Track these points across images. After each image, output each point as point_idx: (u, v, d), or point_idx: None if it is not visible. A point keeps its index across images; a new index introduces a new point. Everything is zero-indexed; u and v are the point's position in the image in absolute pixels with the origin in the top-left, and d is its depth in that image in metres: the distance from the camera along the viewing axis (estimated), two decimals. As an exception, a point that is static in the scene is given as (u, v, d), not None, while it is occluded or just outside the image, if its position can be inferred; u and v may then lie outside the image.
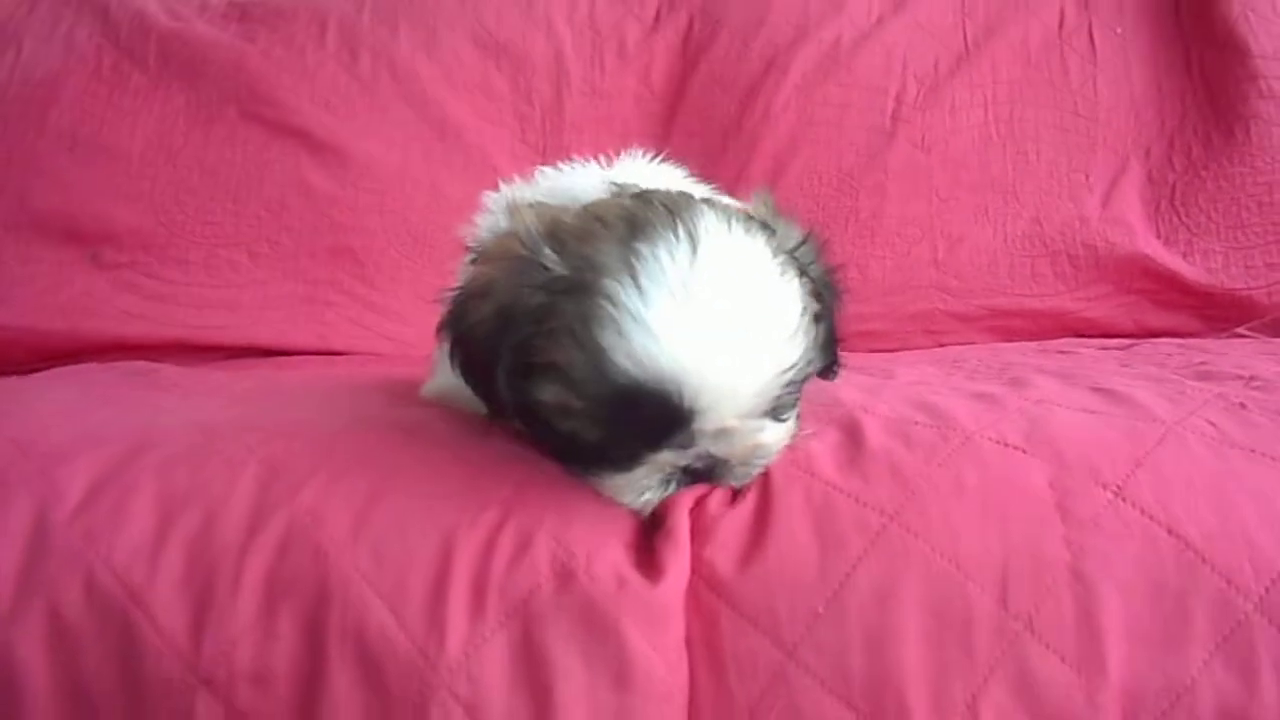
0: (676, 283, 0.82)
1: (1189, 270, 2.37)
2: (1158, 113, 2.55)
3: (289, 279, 2.34)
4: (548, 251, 0.88)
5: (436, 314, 1.21)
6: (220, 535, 0.83)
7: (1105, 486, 0.85)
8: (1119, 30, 2.61)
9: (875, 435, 0.93)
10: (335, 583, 0.81)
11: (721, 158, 2.54)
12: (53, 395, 1.13)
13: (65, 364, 2.18)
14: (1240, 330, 2.19)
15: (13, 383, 1.53)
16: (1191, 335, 2.35)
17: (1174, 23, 2.61)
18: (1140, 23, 2.62)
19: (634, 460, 0.89)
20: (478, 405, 1.02)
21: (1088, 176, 2.50)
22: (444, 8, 2.59)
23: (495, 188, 1.33)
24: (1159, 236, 2.43)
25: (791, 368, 0.88)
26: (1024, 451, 0.89)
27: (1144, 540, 0.83)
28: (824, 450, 0.92)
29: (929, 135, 2.52)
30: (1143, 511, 0.84)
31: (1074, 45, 2.59)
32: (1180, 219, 2.44)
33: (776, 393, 0.88)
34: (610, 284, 0.83)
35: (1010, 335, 2.41)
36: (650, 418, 0.84)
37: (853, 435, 0.94)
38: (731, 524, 0.87)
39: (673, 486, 0.91)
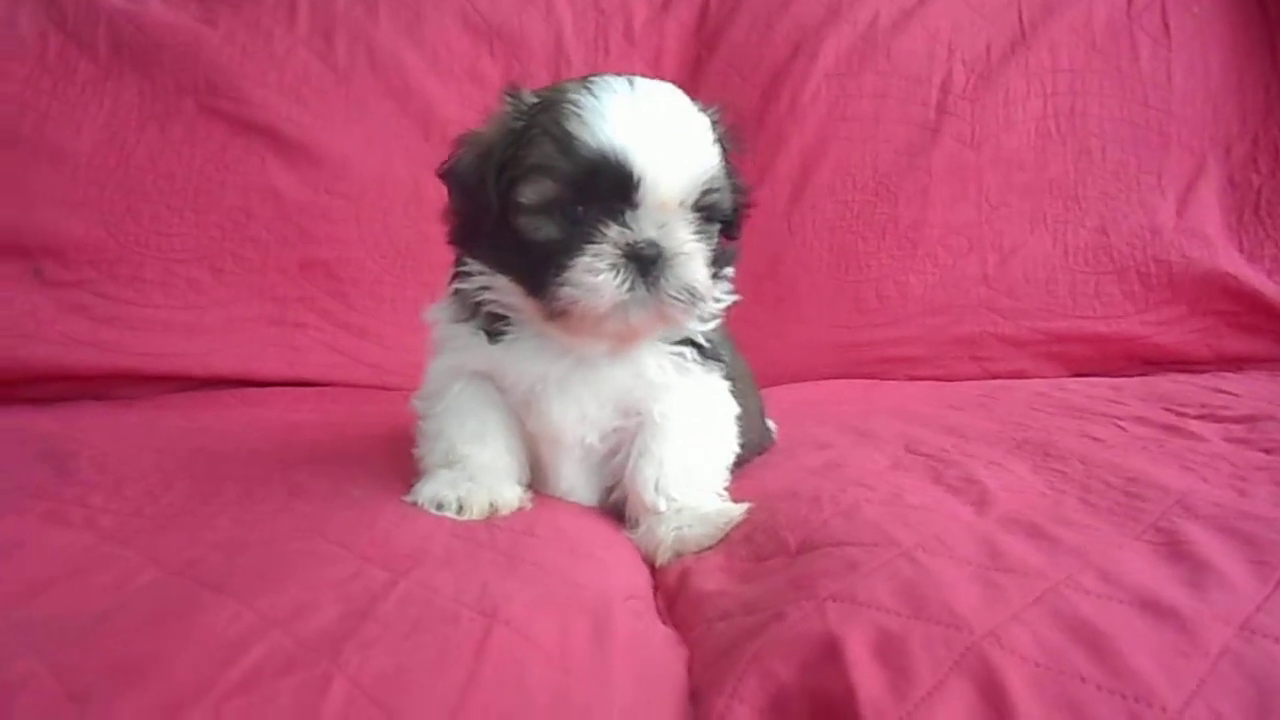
0: (622, 91, 1.08)
1: (1274, 290, 2.08)
2: (1239, 106, 2.23)
3: (256, 298, 2.09)
4: (526, 93, 1.15)
5: (422, 336, 1.29)
6: None
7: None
8: (1195, 9, 2.28)
9: (1029, 709, 0.62)
10: None
11: (741, 159, 2.24)
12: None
13: (6, 393, 1.96)
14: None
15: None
16: (1275, 361, 2.07)
17: (1257, 2, 2.28)
18: (1219, 1, 2.29)
19: (591, 240, 1.04)
20: (483, 362, 1.20)
21: (1160, 178, 2.19)
22: (430, -16, 2.29)
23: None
24: (1241, 250, 2.13)
25: (711, 174, 1.10)
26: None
27: None
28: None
29: (979, 130, 2.22)
30: None
31: (1145, 26, 2.27)
32: (1266, 230, 2.13)
33: (701, 188, 1.09)
34: (573, 95, 1.08)
35: (1070, 364, 2.13)
36: (606, 184, 1.04)
37: (994, 703, 0.63)
38: None
39: (623, 279, 1.04)
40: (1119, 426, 1.40)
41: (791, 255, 2.22)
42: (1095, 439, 1.31)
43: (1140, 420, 1.43)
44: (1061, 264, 2.16)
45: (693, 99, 1.17)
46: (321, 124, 2.16)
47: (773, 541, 1.00)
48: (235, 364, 2.04)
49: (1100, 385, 1.81)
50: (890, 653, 0.68)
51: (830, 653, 0.69)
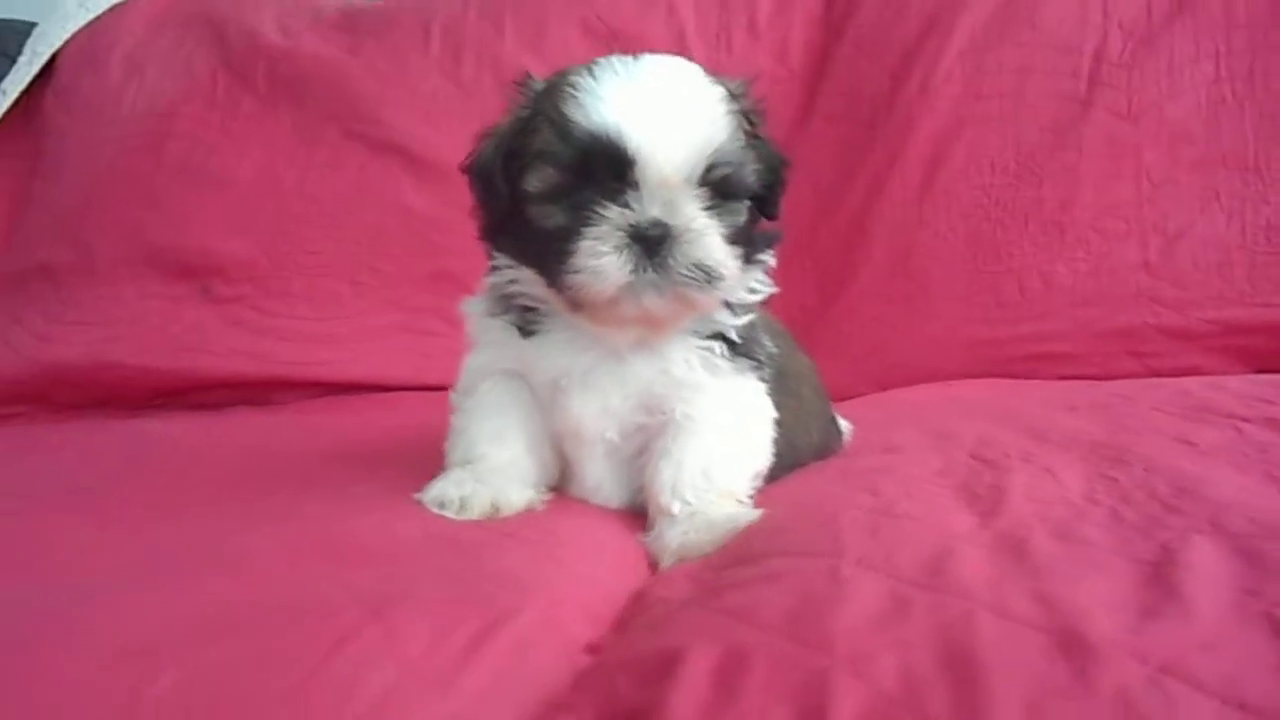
0: (621, 69, 1.06)
1: None
2: None
3: (389, 308, 2.20)
4: (536, 80, 1.14)
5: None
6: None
7: None
8: None
9: None
10: None
11: (870, 145, 2.13)
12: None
13: (174, 400, 2.17)
14: None
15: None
16: None
17: None
18: None
19: (593, 222, 1.01)
20: (514, 358, 1.20)
21: (1362, 144, 1.87)
22: (555, -3, 2.34)
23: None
24: None
25: (717, 147, 1.04)
26: None
27: None
28: None
29: (1137, 100, 1.98)
30: None
31: (1343, -33, 1.95)
32: None
33: (706, 162, 1.04)
34: (572, 77, 1.06)
35: (1252, 358, 1.85)
36: (603, 163, 1.02)
37: None
38: None
39: (626, 260, 1.01)
40: (1236, 430, 1.19)
41: (923, 246, 2.07)
42: (1189, 444, 1.13)
43: (1271, 424, 1.21)
44: (1238, 245, 1.89)
45: (709, 72, 1.12)
46: (449, 140, 2.22)
47: (744, 549, 0.93)
48: (370, 371, 2.15)
49: (1264, 384, 1.56)
50: (730, 673, 0.61)
51: (667, 669, 0.62)
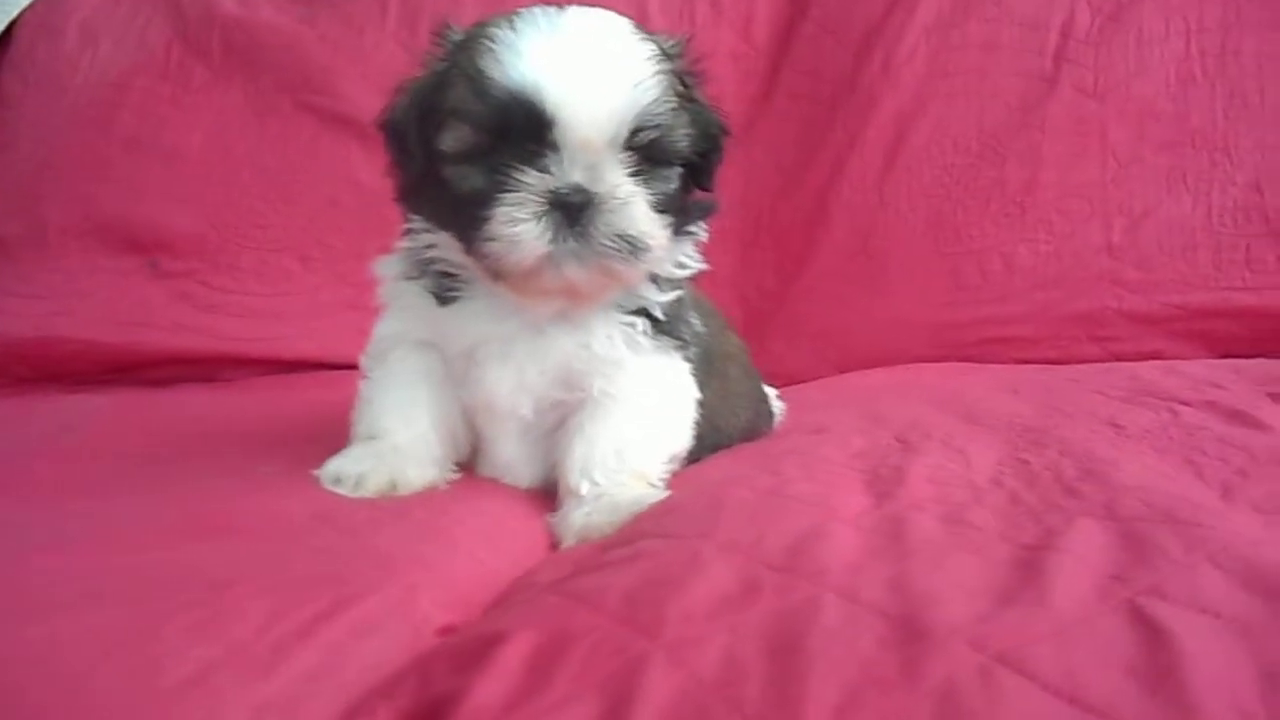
0: (543, 21, 0.99)
1: None
2: None
3: (338, 283, 2.15)
4: (454, 31, 1.07)
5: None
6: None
7: None
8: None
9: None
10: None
11: (831, 124, 2.08)
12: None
13: (124, 376, 2.13)
14: None
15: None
16: None
17: None
18: None
19: (511, 187, 0.96)
20: (428, 327, 1.15)
21: (1334, 124, 1.82)
22: (514, -34, 2.28)
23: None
24: None
25: (644, 109, 0.97)
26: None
27: None
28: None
29: (1104, 78, 1.93)
30: None
31: (1320, -59, 1.89)
32: None
33: (632, 125, 0.97)
34: (492, 29, 1.00)
35: (1216, 344, 1.81)
36: (521, 124, 0.95)
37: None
38: None
39: (545, 228, 0.96)
40: (1172, 413, 1.15)
41: (883, 228, 2.02)
42: (1117, 427, 1.09)
43: (1210, 406, 1.18)
44: (1204, 227, 1.84)
45: (640, 28, 1.06)
46: (403, 113, 2.20)
47: (632, 531, 0.89)
48: (317, 348, 2.10)
49: (1220, 368, 1.51)
50: (547, 657, 0.57)
51: (484, 654, 0.58)
